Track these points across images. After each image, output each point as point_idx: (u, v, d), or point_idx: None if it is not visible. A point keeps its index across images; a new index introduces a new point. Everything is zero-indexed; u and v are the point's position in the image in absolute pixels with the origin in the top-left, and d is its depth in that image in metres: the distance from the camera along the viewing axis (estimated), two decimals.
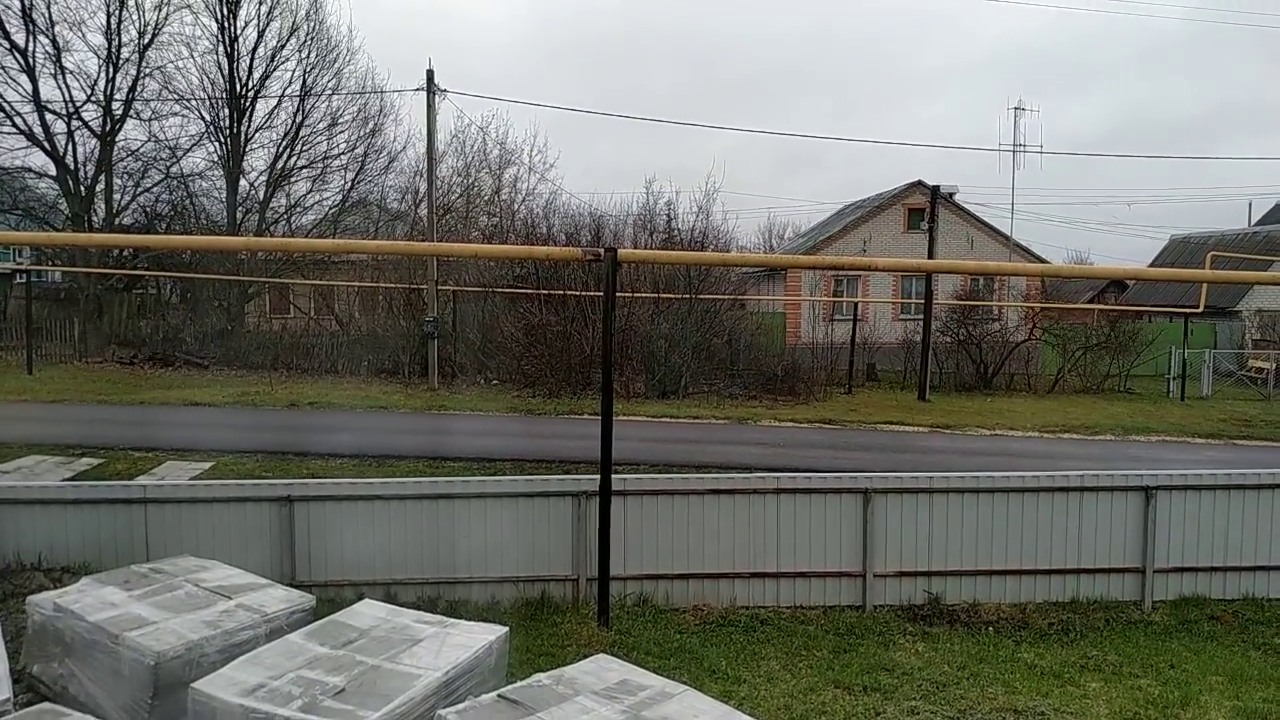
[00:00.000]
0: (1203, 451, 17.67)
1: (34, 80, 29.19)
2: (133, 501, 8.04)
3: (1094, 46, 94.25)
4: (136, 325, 31.18)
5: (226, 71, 31.40)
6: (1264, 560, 8.76)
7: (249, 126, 32.27)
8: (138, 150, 31.77)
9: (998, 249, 33.10)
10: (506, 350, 24.67)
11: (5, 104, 29.00)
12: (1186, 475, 8.88)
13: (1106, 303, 40.29)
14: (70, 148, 30.23)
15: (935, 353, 26.47)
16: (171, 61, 31.49)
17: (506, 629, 5.63)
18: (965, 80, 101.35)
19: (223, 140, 32.12)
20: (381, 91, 34.39)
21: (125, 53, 30.24)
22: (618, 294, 9.28)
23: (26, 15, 28.70)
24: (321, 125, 33.22)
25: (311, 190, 34.23)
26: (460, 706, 4.51)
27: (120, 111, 30.58)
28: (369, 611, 5.76)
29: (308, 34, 32.28)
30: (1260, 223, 42.61)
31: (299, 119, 32.55)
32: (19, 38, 28.74)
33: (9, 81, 29.01)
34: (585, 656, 5.34)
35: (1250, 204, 46.47)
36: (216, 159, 32.60)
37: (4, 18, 28.41)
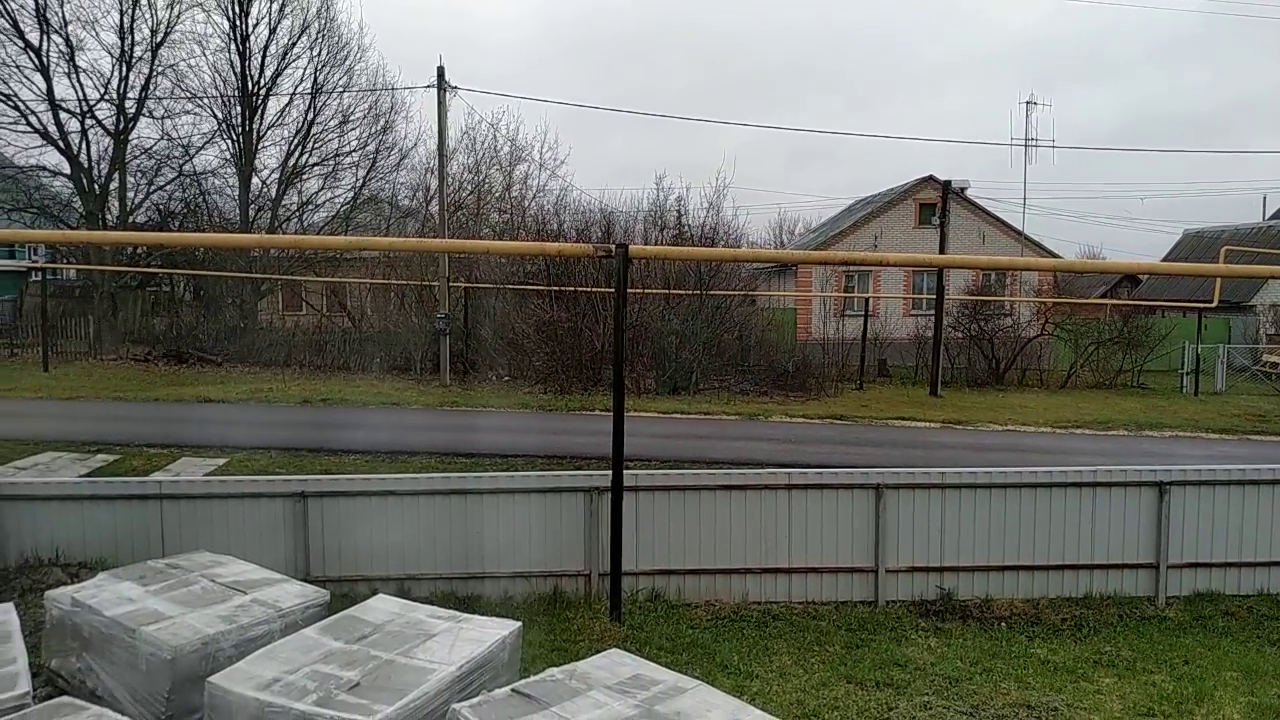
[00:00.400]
0: (1217, 447, 17.56)
1: (48, 79, 29.40)
2: (148, 497, 8.11)
3: (1108, 39, 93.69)
4: (151, 323, 31.36)
5: (238, 69, 31.52)
6: (1279, 556, 8.70)
7: (261, 124, 32.40)
8: (151, 148, 31.96)
9: (1010, 244, 32.96)
10: (518, 346, 24.71)
11: (20, 103, 29.21)
12: (1200, 470, 8.83)
13: (1119, 297, 40.09)
14: (84, 146, 30.40)
15: (947, 348, 26.37)
16: (184, 60, 31.71)
17: (519, 624, 5.65)
18: (979, 74, 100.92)
19: (235, 138, 32.27)
20: (392, 89, 34.49)
21: (138, 51, 30.41)
22: (628, 290, 9.30)
23: (40, 15, 28.88)
24: (333, 123, 33.35)
25: (323, 188, 34.37)
26: (474, 701, 4.53)
27: (133, 110, 30.75)
28: (383, 606, 5.80)
29: (319, 31, 32.39)
30: (1274, 217, 42.30)
31: (310, 116, 32.67)
32: (33, 37, 28.93)
33: (24, 80, 29.24)
34: (598, 651, 5.36)
35: (1265, 198, 46.11)
36: (229, 157, 32.76)
37: (18, 17, 28.61)
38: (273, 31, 31.66)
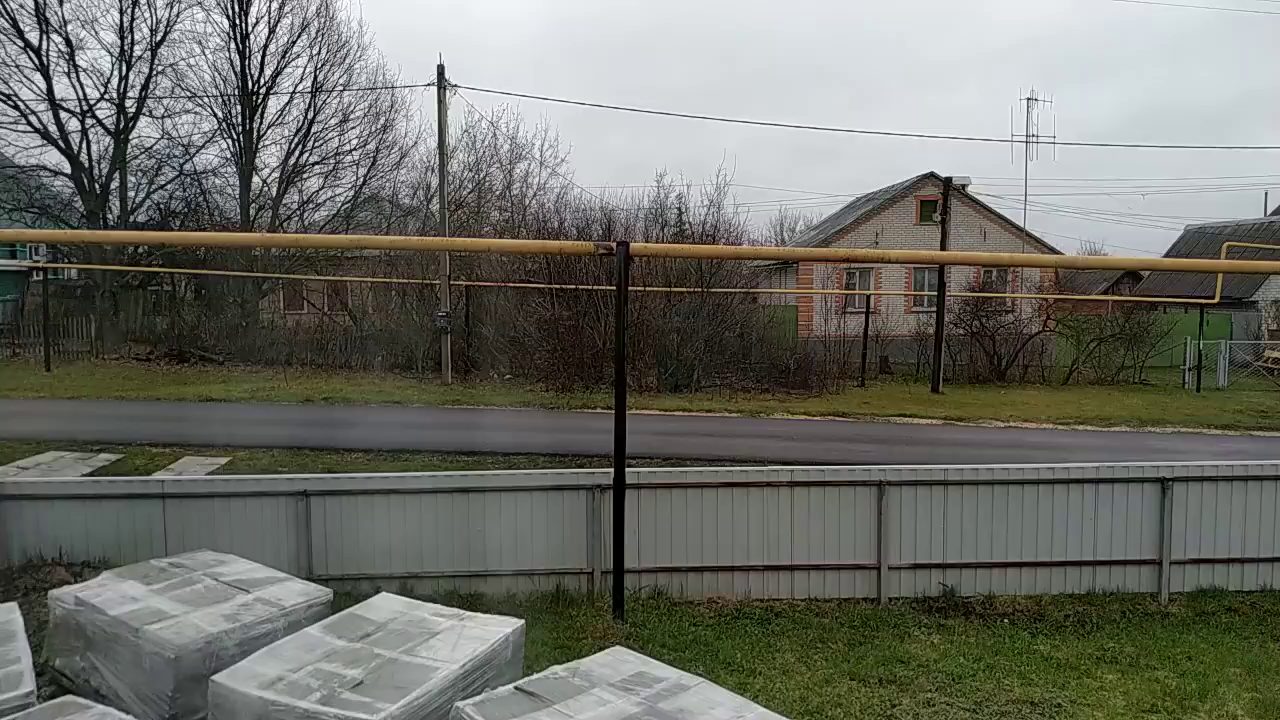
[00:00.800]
0: (1219, 443, 17.54)
1: (48, 79, 29.43)
2: (151, 496, 8.12)
3: (1114, 35, 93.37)
4: (152, 322, 31.38)
5: (238, 68, 31.53)
6: None
7: (261, 123, 32.40)
8: (151, 148, 32.02)
9: (1011, 240, 32.91)
10: (520, 345, 24.72)
11: (20, 102, 29.25)
12: (1203, 466, 8.82)
13: (1121, 294, 40.04)
14: (85, 146, 30.43)
15: (948, 345, 26.36)
16: (184, 59, 31.72)
17: (522, 622, 5.65)
18: (986, 71, 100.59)
19: (235, 137, 32.27)
20: (392, 87, 34.47)
21: (138, 50, 30.44)
22: (630, 288, 9.29)
23: (40, 14, 28.90)
24: (333, 121, 33.35)
25: (324, 186, 34.39)
26: (477, 699, 4.54)
27: (133, 109, 30.78)
28: (386, 605, 5.80)
29: (318, 30, 32.37)
30: (1277, 212, 42.23)
31: (310, 115, 32.67)
32: (33, 36, 28.98)
33: (24, 80, 29.28)
34: (601, 649, 5.36)
35: (1266, 194, 46.05)
36: (229, 156, 32.78)
37: (18, 17, 28.62)
38: (272, 30, 31.69)
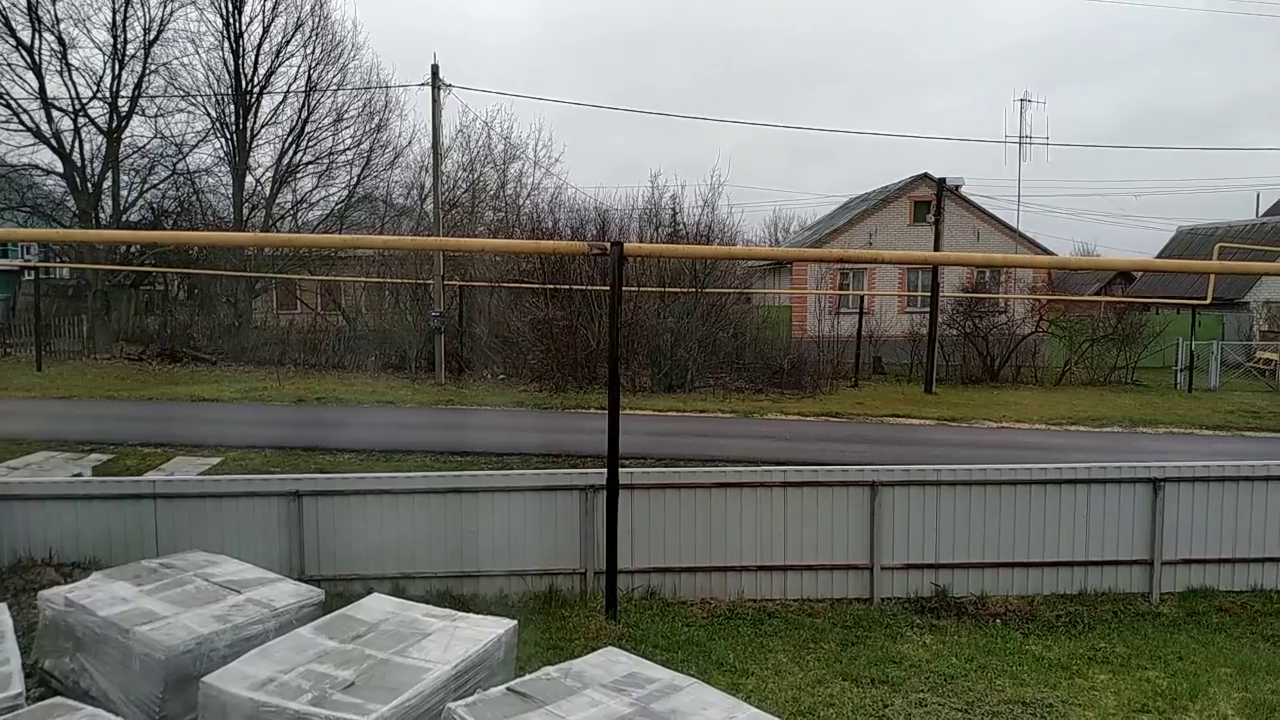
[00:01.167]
0: (1211, 443, 17.61)
1: (40, 77, 29.29)
2: (142, 497, 8.09)
3: (1111, 37, 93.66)
4: (144, 321, 31.29)
5: (232, 68, 31.43)
6: (1273, 552, 8.72)
7: (254, 123, 32.31)
8: (144, 147, 31.88)
9: (1004, 241, 32.99)
10: (513, 345, 24.70)
11: (12, 101, 29.09)
12: (1195, 467, 8.85)
13: (1113, 294, 40.15)
14: (77, 145, 30.30)
15: (941, 345, 26.40)
16: (177, 58, 31.54)
17: (515, 622, 5.65)
18: (983, 72, 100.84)
19: (228, 136, 32.17)
20: (386, 87, 34.42)
21: (131, 49, 30.31)
22: (624, 288, 9.28)
23: (32, 12, 28.75)
24: (327, 121, 33.26)
25: (317, 186, 34.30)
26: (469, 700, 4.53)
27: (126, 108, 30.65)
28: (378, 605, 5.79)
29: (312, 30, 32.30)
30: (1268, 213, 42.42)
31: (304, 115, 32.57)
32: (25, 35, 28.82)
33: (15, 78, 29.13)
34: (593, 649, 5.36)
35: (1258, 195, 46.25)
36: (222, 155, 32.68)
37: (10, 15, 28.49)
38: (266, 29, 31.60)
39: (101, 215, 30.92)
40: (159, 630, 5.33)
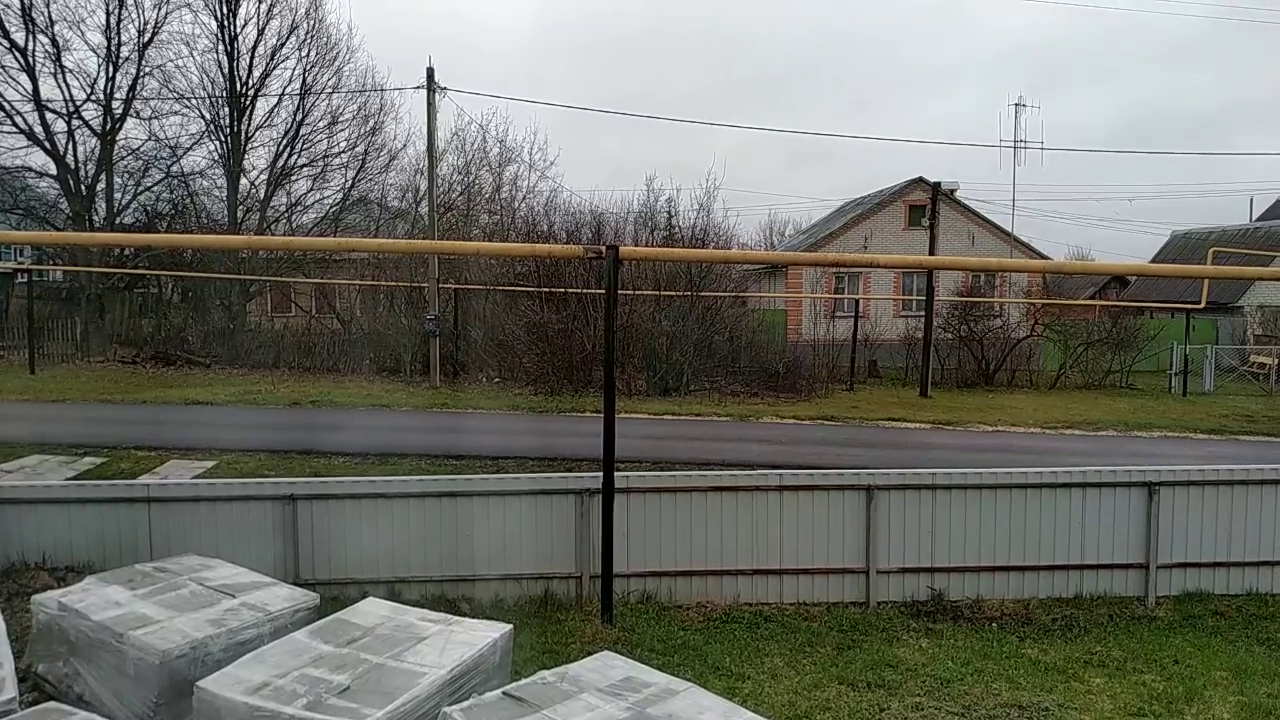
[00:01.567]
0: (1205, 447, 17.64)
1: (34, 79, 29.22)
2: (136, 500, 8.04)
3: (1109, 42, 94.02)
4: (138, 324, 31.19)
5: (226, 70, 31.39)
6: (1268, 555, 8.74)
7: (249, 125, 32.28)
8: (138, 149, 31.83)
9: (999, 245, 33.09)
10: (508, 348, 24.67)
11: (5, 103, 29.03)
12: (1190, 471, 8.87)
13: (1108, 299, 40.28)
14: (71, 147, 30.23)
15: (937, 349, 26.44)
16: (171, 60, 31.52)
17: (510, 626, 5.63)
18: (982, 76, 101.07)
19: (223, 139, 32.12)
20: (382, 89, 34.40)
21: (125, 51, 30.26)
22: (619, 291, 9.27)
23: (26, 14, 28.70)
24: (322, 124, 33.26)
25: (312, 189, 34.27)
26: (465, 704, 4.51)
27: (120, 110, 30.59)
28: (373, 609, 5.76)
29: (308, 32, 32.29)
30: (1262, 218, 42.56)
31: (299, 117, 32.57)
32: (19, 36, 28.76)
33: (9, 80, 29.05)
34: (589, 654, 5.35)
35: (1252, 199, 46.46)
36: (217, 158, 32.62)
37: (3, 17, 28.42)
38: (261, 32, 31.58)
39: (95, 218, 30.84)
40: (153, 634, 5.30)
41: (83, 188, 30.55)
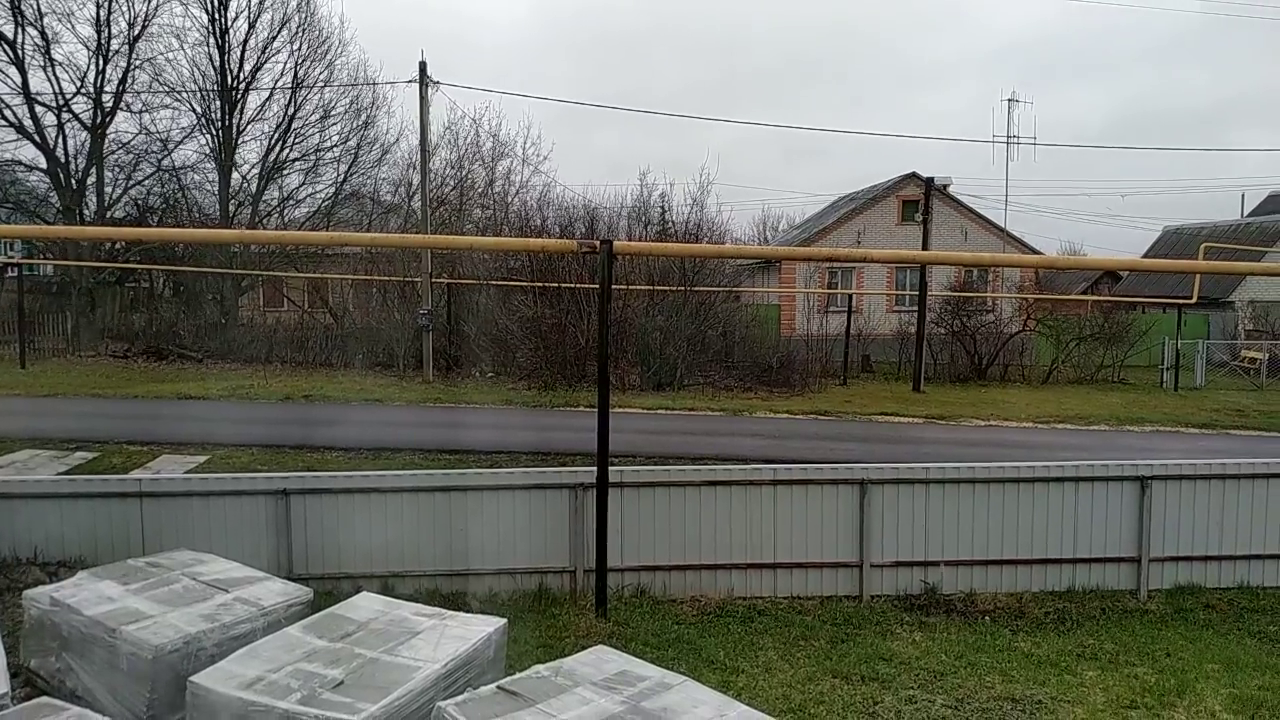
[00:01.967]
0: (1196, 441, 17.72)
1: (23, 72, 29.04)
2: (128, 495, 8.02)
3: (1104, 37, 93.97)
4: (129, 319, 31.05)
5: (217, 64, 31.22)
6: (1258, 549, 8.79)
7: (240, 119, 32.10)
8: (129, 143, 31.62)
9: (992, 240, 33.11)
10: (502, 343, 24.64)
11: None
12: (1181, 465, 8.90)
13: (1100, 294, 40.38)
14: (60, 140, 30.07)
15: (930, 344, 26.49)
16: (162, 54, 31.32)
17: (504, 621, 5.63)
18: (979, 71, 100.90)
19: (214, 133, 31.96)
20: (374, 84, 34.25)
21: (115, 45, 30.08)
22: (613, 286, 9.26)
23: (15, 7, 28.51)
24: (314, 118, 33.08)
25: (304, 183, 34.09)
26: (460, 698, 4.51)
27: (110, 104, 30.41)
28: (367, 604, 5.76)
29: (299, 26, 32.11)
30: (1253, 214, 42.72)
31: (291, 111, 32.38)
32: (7, 29, 28.61)
33: None
34: (583, 648, 5.35)
35: (1243, 195, 46.61)
36: (208, 152, 32.45)
37: None
38: (252, 25, 31.40)
39: (86, 211, 30.68)
40: (146, 629, 5.29)
41: (73, 182, 30.38)
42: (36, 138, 29.63)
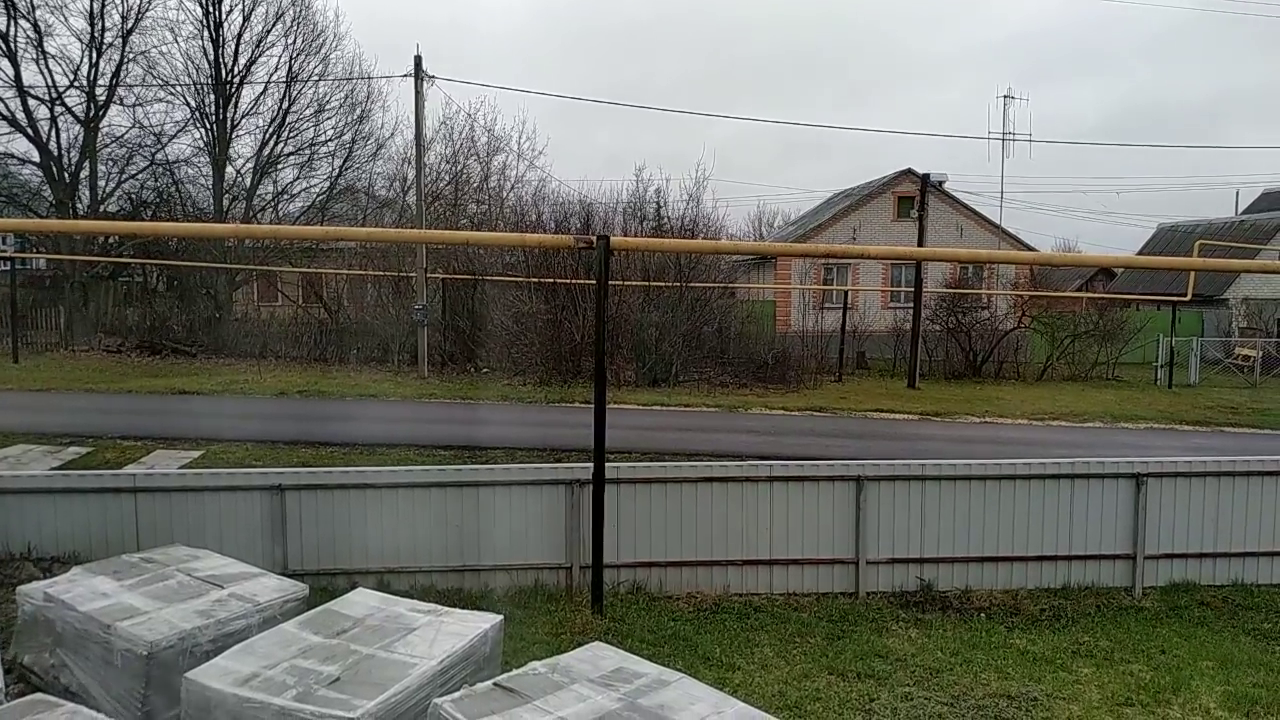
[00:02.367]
0: (1191, 439, 17.76)
1: (16, 65, 28.96)
2: (122, 490, 7.99)
3: (1101, 33, 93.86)
4: (123, 313, 30.96)
5: (211, 57, 31.17)
6: (1253, 546, 8.81)
7: (235, 113, 32.06)
8: (122, 137, 31.57)
9: (987, 237, 33.16)
10: (497, 338, 24.61)
11: None
12: (1176, 462, 8.92)
13: (1095, 291, 40.46)
14: (54, 134, 29.98)
15: (925, 341, 26.52)
16: (155, 47, 31.27)
17: (501, 617, 5.61)
18: (978, 66, 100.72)
19: (208, 127, 31.89)
20: (369, 77, 34.20)
21: (108, 38, 30.01)
22: (609, 282, 9.25)
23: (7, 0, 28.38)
24: (308, 112, 33.07)
25: (299, 177, 34.07)
26: (456, 695, 4.49)
27: (104, 97, 30.32)
28: (363, 600, 5.74)
29: (294, 19, 32.10)
30: (1247, 211, 42.82)
31: (285, 105, 32.36)
32: (0, 21, 28.42)
33: None
34: (580, 644, 5.33)
35: (1238, 192, 46.75)
36: (202, 145, 32.39)
37: None
38: (246, 19, 31.35)
39: (79, 205, 30.58)
40: (141, 625, 5.26)
41: (66, 175, 30.28)
42: (29, 131, 29.54)
